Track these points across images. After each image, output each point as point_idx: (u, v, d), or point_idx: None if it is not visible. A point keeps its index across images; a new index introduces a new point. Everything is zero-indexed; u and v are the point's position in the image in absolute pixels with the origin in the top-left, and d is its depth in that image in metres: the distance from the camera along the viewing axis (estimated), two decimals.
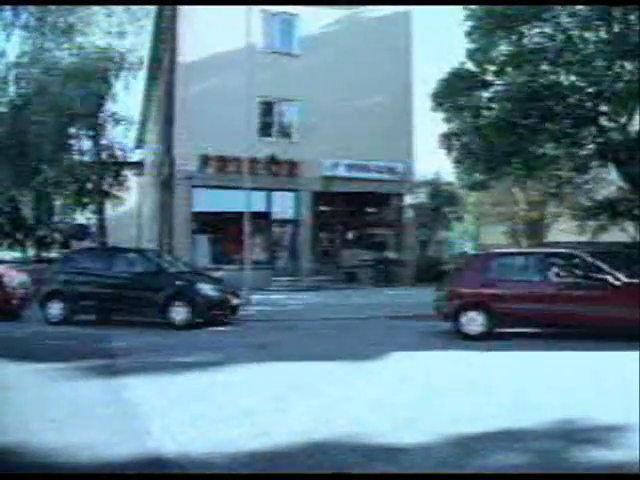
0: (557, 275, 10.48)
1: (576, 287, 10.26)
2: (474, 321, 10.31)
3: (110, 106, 24.31)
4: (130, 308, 12.72)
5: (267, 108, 20.68)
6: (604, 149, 18.83)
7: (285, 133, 21.06)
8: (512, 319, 10.31)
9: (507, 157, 18.95)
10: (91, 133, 24.37)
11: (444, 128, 20.65)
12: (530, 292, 10.31)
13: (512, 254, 12.09)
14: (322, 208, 21.40)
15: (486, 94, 19.49)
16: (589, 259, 10.50)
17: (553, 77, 18.03)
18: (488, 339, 10.01)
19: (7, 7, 22.55)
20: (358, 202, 21.76)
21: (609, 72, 16.50)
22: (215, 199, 19.58)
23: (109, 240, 25.19)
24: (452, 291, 10.80)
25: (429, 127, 26.60)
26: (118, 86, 23.86)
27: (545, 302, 10.06)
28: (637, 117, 18.44)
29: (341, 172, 20.84)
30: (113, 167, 25.50)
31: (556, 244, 21.43)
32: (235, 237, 18.34)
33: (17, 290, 13.62)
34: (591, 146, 19.56)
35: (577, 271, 10.59)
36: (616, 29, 17.09)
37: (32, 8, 22.72)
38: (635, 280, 10.30)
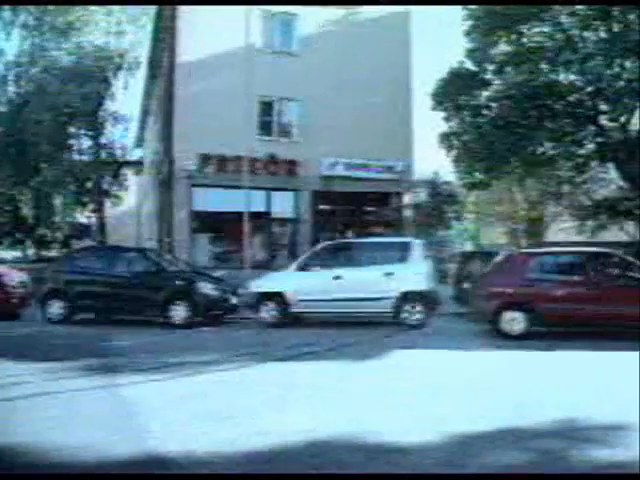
0: (596, 274, 10.51)
1: (615, 286, 10.31)
2: (514, 321, 10.34)
3: (109, 105, 24.30)
4: (130, 307, 12.74)
5: (267, 107, 20.65)
6: (603, 148, 18.84)
7: (285, 132, 21.04)
8: (552, 319, 10.33)
9: (506, 156, 18.95)
10: (90, 132, 24.34)
11: (444, 127, 20.67)
12: (570, 292, 10.38)
13: (550, 253, 12.00)
14: (322, 207, 21.38)
15: (485, 93, 19.50)
16: (628, 258, 10.57)
17: (552, 76, 18.04)
18: (528, 339, 10.03)
19: (6, 7, 22.54)
20: (358, 201, 21.74)
21: (608, 71, 16.50)
22: (215, 198, 19.55)
23: (109, 239, 25.18)
24: (490, 291, 10.79)
25: (429, 126, 26.58)
26: (117, 85, 23.86)
27: (585, 302, 10.10)
28: (637, 116, 18.45)
29: (340, 171, 20.82)
30: (112, 166, 25.48)
31: (556, 244, 21.43)
32: (235, 236, 18.34)
33: (17, 289, 13.64)
34: (590, 145, 19.57)
35: (616, 270, 10.65)
36: (615, 28, 17.09)
37: (31, 7, 22.70)
38: None
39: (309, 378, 7.23)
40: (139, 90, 29.37)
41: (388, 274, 12.02)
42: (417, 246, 12.52)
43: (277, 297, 12.39)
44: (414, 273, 12.00)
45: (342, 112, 20.27)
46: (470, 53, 19.18)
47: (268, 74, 19.10)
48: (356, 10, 21.34)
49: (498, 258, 11.81)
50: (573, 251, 11.91)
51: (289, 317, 12.43)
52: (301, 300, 12.24)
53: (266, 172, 19.77)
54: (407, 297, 11.97)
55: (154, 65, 25.42)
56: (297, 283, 12.35)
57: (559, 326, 10.60)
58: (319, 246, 13.45)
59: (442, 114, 20.30)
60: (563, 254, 11.87)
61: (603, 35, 17.37)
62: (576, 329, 10.50)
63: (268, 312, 12.38)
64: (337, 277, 12.13)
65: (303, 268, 12.54)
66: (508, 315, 10.38)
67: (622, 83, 16.37)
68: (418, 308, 12.01)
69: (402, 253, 12.36)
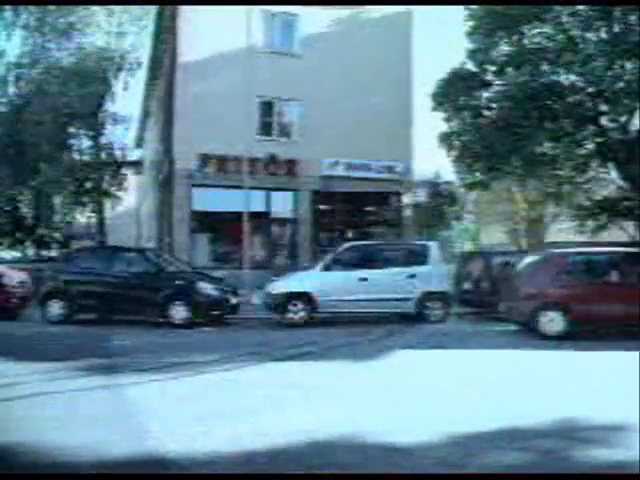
0: (631, 275, 10.59)
1: None
2: (552, 321, 10.38)
3: (110, 106, 24.30)
4: (130, 307, 12.73)
5: (267, 108, 20.64)
6: (604, 149, 18.83)
7: (285, 132, 21.03)
8: (589, 319, 10.36)
9: (507, 156, 18.94)
10: (91, 133, 24.33)
11: (444, 127, 20.66)
12: (607, 292, 10.44)
13: (586, 254, 11.98)
14: (321, 207, 21.38)
15: (486, 94, 19.48)
16: None
17: (553, 77, 18.03)
18: (566, 339, 10.03)
19: (7, 7, 22.52)
20: (357, 201, 21.75)
21: (609, 72, 16.50)
22: (215, 198, 19.55)
23: (109, 239, 25.18)
24: (528, 292, 10.82)
25: (429, 127, 26.59)
26: (118, 86, 23.85)
27: (621, 302, 10.14)
28: (637, 117, 18.44)
29: (340, 171, 20.82)
30: (112, 166, 25.46)
31: (556, 244, 21.40)
32: (234, 236, 18.34)
33: (17, 289, 13.63)
34: (591, 146, 19.55)
35: None
36: (616, 29, 17.08)
37: (32, 8, 22.68)
38: None
39: (311, 378, 7.22)
40: (139, 91, 29.43)
41: (411, 276, 12.69)
42: (435, 248, 13.37)
43: (304, 297, 12.45)
44: (435, 274, 12.89)
45: (342, 112, 20.28)
46: (471, 54, 19.17)
47: (269, 74, 19.10)
48: (357, 10, 21.34)
49: (532, 259, 11.77)
50: (608, 251, 11.93)
51: (316, 317, 12.52)
52: (327, 300, 12.38)
53: (266, 172, 19.77)
54: (429, 297, 12.78)
55: (155, 66, 25.43)
56: (324, 283, 12.51)
57: (596, 326, 10.64)
58: (342, 247, 13.63)
59: (442, 114, 20.29)
60: (599, 254, 11.89)
61: (604, 36, 17.37)
62: (613, 329, 10.57)
63: (296, 313, 12.40)
64: (363, 278, 12.44)
65: (328, 268, 12.72)
66: (546, 315, 10.42)
67: (622, 84, 16.36)
68: (438, 306, 12.82)
69: (422, 255, 13.18)
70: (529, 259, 11.86)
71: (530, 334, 10.67)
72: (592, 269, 11.18)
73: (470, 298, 14.40)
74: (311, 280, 12.69)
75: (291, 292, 12.53)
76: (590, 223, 23.15)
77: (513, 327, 11.65)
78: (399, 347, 9.62)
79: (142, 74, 26.26)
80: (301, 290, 12.49)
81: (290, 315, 12.40)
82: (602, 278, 10.88)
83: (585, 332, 10.41)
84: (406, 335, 11.23)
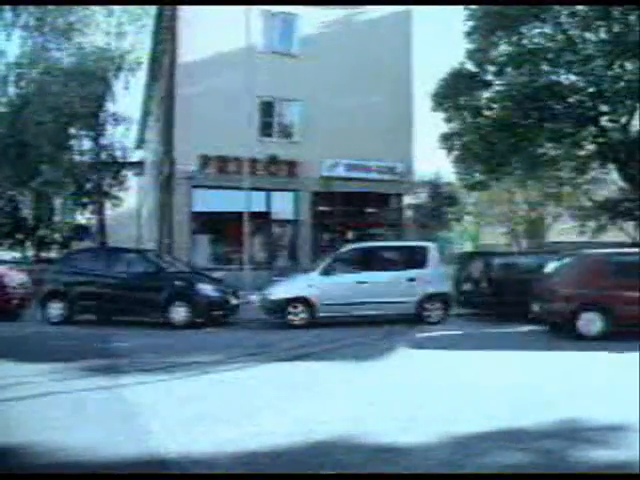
0: None
1: None
2: (592, 322, 10.35)
3: (110, 106, 24.33)
4: (130, 308, 12.72)
5: (267, 108, 20.63)
6: (604, 149, 18.84)
7: (285, 133, 21.03)
8: (630, 320, 10.29)
9: (507, 157, 18.96)
10: (91, 133, 24.35)
11: (444, 128, 20.68)
12: None
13: (627, 254, 11.87)
14: (322, 208, 21.37)
15: (486, 94, 19.50)
16: None
17: (553, 77, 18.05)
18: (605, 340, 9.95)
19: (7, 7, 22.55)
20: (358, 202, 21.74)
21: (609, 72, 16.51)
22: (215, 199, 19.54)
23: (109, 240, 25.19)
24: (567, 293, 10.75)
25: (429, 127, 26.64)
26: (118, 86, 23.87)
27: None
28: (637, 117, 18.45)
29: (341, 172, 20.82)
30: (113, 167, 25.47)
31: (557, 244, 21.42)
32: (235, 237, 18.34)
33: (17, 290, 13.63)
34: (591, 146, 19.56)
35: None
36: (616, 29, 17.10)
37: (32, 8, 22.72)
38: None
39: (312, 378, 7.21)
40: (140, 91, 29.44)
41: (411, 279, 12.75)
42: (434, 250, 13.40)
43: (303, 302, 12.42)
44: (435, 276, 12.93)
45: (342, 113, 20.27)
46: (471, 54, 19.20)
47: (269, 75, 19.09)
48: (357, 10, 21.34)
49: (570, 259, 11.62)
50: None
51: (317, 320, 12.49)
52: (327, 304, 12.36)
53: (266, 173, 19.76)
54: (429, 298, 12.82)
55: (155, 66, 25.43)
56: (323, 287, 12.47)
57: (636, 327, 10.58)
58: (341, 250, 13.57)
59: (443, 115, 20.32)
60: (637, 255, 11.74)
61: (603, 36, 17.38)
62: None
63: (296, 315, 12.37)
64: (362, 281, 12.49)
65: (327, 272, 12.71)
66: (586, 316, 10.39)
67: (622, 84, 16.37)
68: (438, 307, 12.89)
69: (421, 257, 13.17)
70: (566, 260, 11.70)
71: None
72: (632, 270, 11.00)
73: (470, 299, 14.39)
74: (310, 284, 12.62)
75: (289, 298, 12.48)
76: (591, 224, 23.19)
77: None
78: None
79: (142, 74, 26.31)
80: (299, 295, 12.46)
81: (290, 317, 12.40)
82: None
83: (624, 333, 10.29)
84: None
